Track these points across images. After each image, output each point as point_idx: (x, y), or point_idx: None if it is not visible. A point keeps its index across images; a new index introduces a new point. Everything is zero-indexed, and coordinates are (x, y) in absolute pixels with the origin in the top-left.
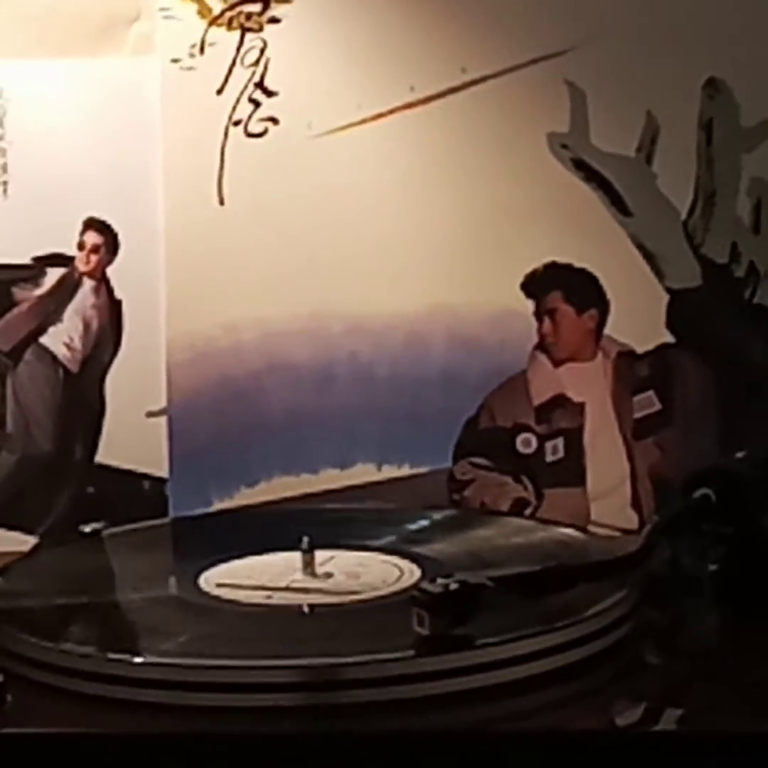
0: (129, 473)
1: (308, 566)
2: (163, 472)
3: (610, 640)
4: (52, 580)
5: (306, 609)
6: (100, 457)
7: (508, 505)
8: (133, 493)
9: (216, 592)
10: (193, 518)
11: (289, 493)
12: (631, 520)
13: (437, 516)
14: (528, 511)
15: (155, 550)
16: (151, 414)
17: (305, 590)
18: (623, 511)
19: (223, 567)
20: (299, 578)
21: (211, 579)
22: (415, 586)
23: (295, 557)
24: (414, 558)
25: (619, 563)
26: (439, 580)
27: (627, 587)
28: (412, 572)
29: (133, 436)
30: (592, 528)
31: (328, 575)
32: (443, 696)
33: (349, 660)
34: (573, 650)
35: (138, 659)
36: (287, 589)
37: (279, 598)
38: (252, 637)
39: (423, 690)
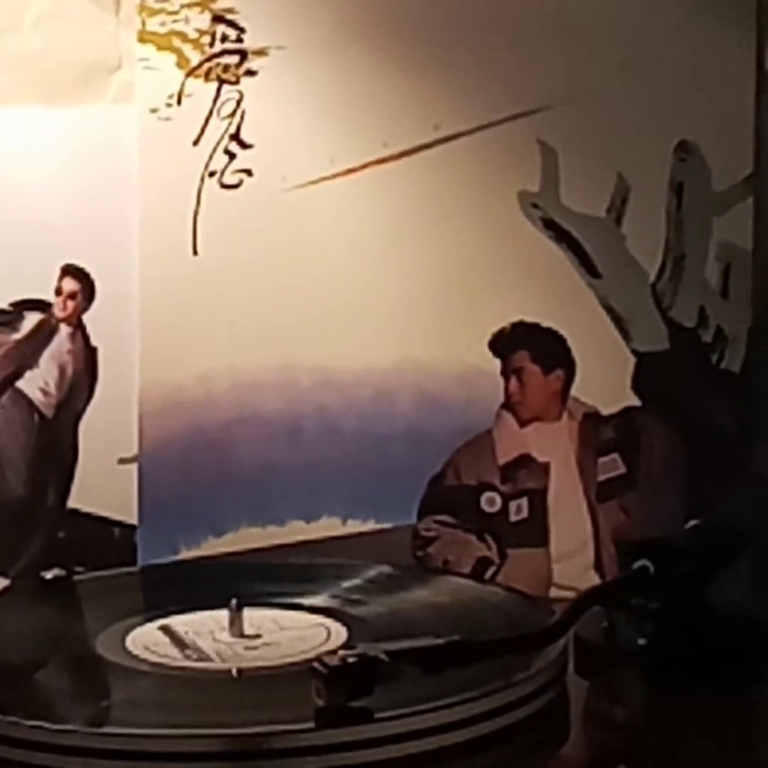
0: (100, 519)
1: (235, 626)
2: (133, 519)
3: (519, 714)
4: None
5: (235, 673)
6: (72, 502)
7: (471, 563)
8: (103, 539)
9: (143, 654)
10: (153, 567)
11: (255, 545)
12: (593, 583)
13: (379, 572)
14: (491, 571)
15: (102, 602)
16: (123, 461)
17: (228, 653)
18: (586, 573)
19: (157, 623)
20: (226, 638)
21: (141, 637)
22: (317, 657)
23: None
24: (344, 619)
25: (530, 639)
26: (340, 652)
27: (539, 662)
28: (339, 634)
29: (104, 482)
30: (554, 590)
31: (256, 636)
32: None
33: (245, 731)
34: (479, 724)
35: (47, 726)
36: (208, 650)
37: (198, 661)
38: (163, 702)
39: (318, 763)
